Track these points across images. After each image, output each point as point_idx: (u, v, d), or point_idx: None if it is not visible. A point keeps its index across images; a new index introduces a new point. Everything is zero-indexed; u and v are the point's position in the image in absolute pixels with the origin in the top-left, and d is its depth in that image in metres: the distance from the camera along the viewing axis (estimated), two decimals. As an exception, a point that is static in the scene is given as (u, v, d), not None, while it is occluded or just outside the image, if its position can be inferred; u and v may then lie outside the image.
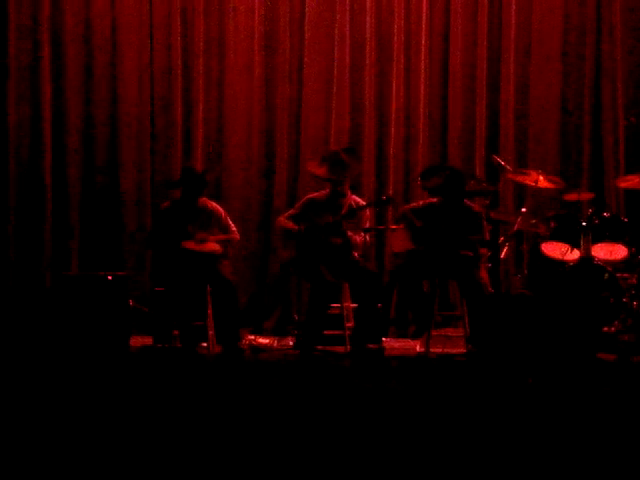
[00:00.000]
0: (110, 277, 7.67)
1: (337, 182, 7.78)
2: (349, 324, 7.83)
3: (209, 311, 7.65)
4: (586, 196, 8.38)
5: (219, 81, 9.41)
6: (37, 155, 9.18)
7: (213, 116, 9.42)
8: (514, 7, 9.32)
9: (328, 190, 7.86)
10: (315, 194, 7.98)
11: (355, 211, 7.79)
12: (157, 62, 9.31)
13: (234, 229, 7.92)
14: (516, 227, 8.18)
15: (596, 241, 8.04)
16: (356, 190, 8.46)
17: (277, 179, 9.33)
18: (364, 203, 7.99)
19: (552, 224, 8.19)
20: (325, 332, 7.70)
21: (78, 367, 6.81)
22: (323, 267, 7.58)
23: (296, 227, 7.73)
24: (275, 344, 8.29)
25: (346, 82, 9.34)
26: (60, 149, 9.23)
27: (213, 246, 7.69)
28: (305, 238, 7.66)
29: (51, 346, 7.23)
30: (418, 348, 7.78)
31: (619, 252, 8.09)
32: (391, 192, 9.12)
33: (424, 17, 9.32)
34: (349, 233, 7.67)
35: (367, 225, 7.94)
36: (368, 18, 9.33)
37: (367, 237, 7.87)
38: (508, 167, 8.59)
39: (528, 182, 8.30)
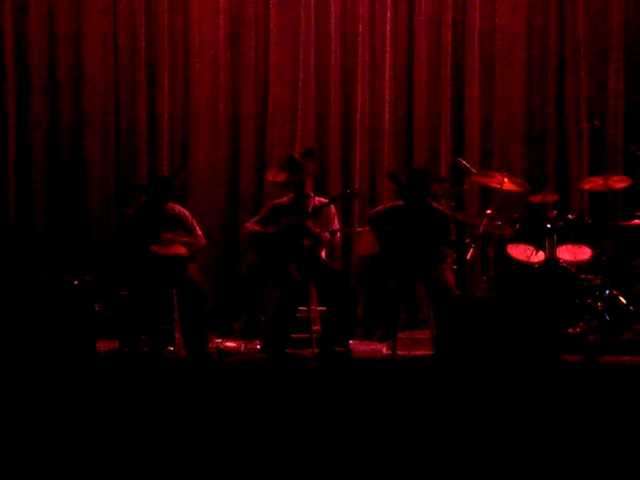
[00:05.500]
0: (76, 282, 7.63)
1: (297, 185, 7.79)
2: (316, 327, 7.84)
3: (176, 315, 7.62)
4: (551, 198, 8.43)
5: (184, 80, 9.43)
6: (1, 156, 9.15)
7: (178, 111, 9.43)
8: (478, 14, 9.37)
9: (292, 195, 7.87)
10: (279, 199, 7.98)
11: (320, 209, 7.78)
12: (121, 66, 9.35)
13: (200, 233, 7.88)
14: (481, 229, 8.21)
15: (561, 243, 8.11)
16: (324, 192, 8.48)
17: (242, 183, 9.36)
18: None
19: (517, 226, 8.24)
20: (292, 335, 7.70)
21: (44, 372, 6.77)
22: (292, 267, 7.58)
23: (263, 230, 7.73)
24: (242, 347, 8.28)
25: (311, 81, 9.35)
26: (24, 151, 9.20)
27: (179, 249, 7.65)
28: (272, 241, 7.66)
29: (16, 351, 7.19)
30: (385, 350, 7.78)
31: (583, 253, 8.17)
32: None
33: (388, 24, 9.39)
34: (318, 230, 7.66)
35: (336, 223, 7.93)
36: (333, 18, 9.36)
37: (337, 236, 7.89)
38: (473, 169, 8.63)
39: (493, 184, 8.34)
